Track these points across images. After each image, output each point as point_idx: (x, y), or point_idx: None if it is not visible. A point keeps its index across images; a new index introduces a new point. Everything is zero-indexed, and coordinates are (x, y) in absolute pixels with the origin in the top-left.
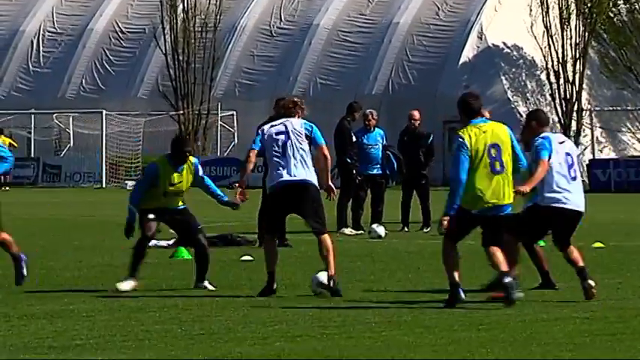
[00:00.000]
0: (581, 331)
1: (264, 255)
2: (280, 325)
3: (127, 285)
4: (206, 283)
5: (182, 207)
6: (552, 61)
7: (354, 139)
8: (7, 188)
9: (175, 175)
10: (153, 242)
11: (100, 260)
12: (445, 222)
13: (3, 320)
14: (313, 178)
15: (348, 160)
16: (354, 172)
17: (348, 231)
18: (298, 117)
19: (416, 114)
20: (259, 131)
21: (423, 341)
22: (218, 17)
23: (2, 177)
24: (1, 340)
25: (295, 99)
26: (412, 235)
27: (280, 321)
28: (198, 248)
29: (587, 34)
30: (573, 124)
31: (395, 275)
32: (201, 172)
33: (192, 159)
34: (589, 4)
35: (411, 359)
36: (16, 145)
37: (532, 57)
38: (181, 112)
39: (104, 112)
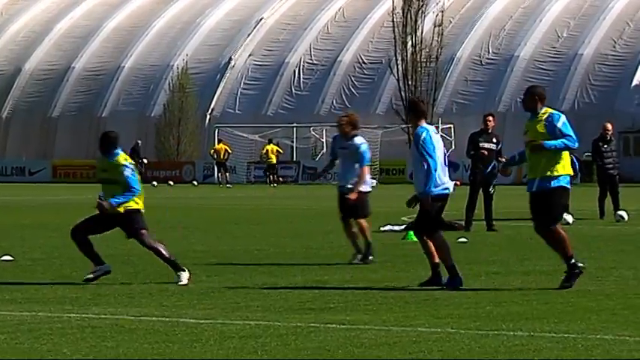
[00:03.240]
0: None
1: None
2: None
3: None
4: None
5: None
6: None
7: None
8: (276, 185)
9: (105, 163)
10: (388, 227)
11: (344, 242)
12: None
13: (272, 288)
14: None
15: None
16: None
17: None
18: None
19: (608, 125)
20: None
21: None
22: (439, 50)
23: (273, 176)
24: (271, 304)
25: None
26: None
27: (490, 289)
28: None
29: None
30: None
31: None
32: (126, 173)
33: (123, 158)
34: None
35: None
36: (282, 151)
37: None
38: (410, 125)
39: None
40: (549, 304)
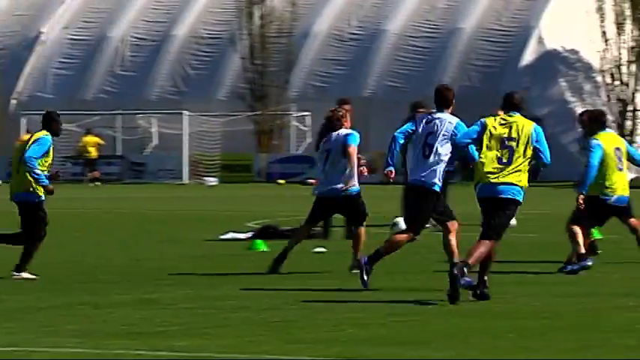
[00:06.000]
0: None
1: None
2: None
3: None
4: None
5: None
6: (608, 64)
7: None
8: (98, 184)
9: None
10: (230, 235)
11: (181, 252)
12: None
13: (92, 308)
14: None
15: None
16: None
17: None
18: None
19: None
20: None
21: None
22: (292, 23)
23: (93, 173)
24: (90, 327)
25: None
26: None
27: (353, 310)
28: None
29: None
30: (628, 123)
31: None
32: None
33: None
34: None
35: None
36: (103, 143)
37: (589, 60)
38: (258, 112)
39: (185, 112)
40: None
